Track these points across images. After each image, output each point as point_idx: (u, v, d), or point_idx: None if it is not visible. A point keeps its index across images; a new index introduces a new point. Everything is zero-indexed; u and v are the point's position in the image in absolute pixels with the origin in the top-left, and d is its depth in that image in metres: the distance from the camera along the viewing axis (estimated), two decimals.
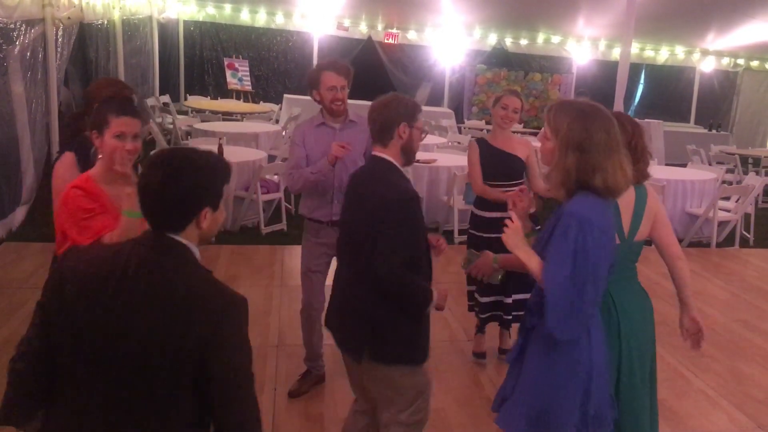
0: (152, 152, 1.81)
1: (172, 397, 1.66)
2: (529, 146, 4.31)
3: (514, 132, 11.33)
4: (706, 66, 15.40)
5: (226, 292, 1.70)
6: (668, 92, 15.80)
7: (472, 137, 10.83)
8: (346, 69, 3.69)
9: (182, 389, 1.66)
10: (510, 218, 2.30)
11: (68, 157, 3.00)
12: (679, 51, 15.26)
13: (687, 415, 4.01)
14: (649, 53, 15.20)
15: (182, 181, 1.67)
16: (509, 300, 4.24)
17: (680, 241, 7.88)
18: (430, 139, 10.15)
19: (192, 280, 1.67)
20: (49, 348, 1.71)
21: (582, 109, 2.18)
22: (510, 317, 4.29)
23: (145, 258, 1.67)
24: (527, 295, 4.17)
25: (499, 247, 2.42)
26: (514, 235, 2.27)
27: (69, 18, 7.70)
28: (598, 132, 2.12)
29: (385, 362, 2.65)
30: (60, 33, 7.45)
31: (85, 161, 3.02)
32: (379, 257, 2.51)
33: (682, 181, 7.98)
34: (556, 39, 14.70)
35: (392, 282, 2.54)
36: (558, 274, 2.10)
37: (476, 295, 4.38)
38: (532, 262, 2.21)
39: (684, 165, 9.80)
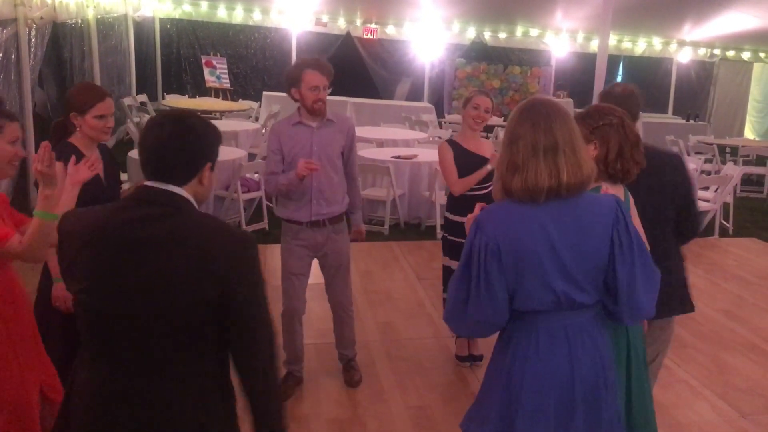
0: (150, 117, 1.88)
1: (196, 347, 1.73)
2: (493, 148, 4.29)
3: (495, 126, 11.37)
4: (683, 57, 15.51)
5: (235, 233, 1.79)
6: (646, 83, 15.86)
7: (452, 131, 10.85)
8: (328, 68, 3.65)
9: (205, 339, 1.73)
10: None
11: None
12: (657, 42, 15.35)
13: (670, 405, 4.03)
14: (626, 45, 15.27)
15: (193, 134, 1.78)
16: None
17: None
18: (410, 135, 10.13)
19: (201, 227, 1.74)
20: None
21: (525, 107, 2.08)
22: None
23: (150, 212, 1.73)
24: None
25: None
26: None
27: (42, 18, 7.57)
28: (524, 128, 2.01)
29: None
30: (33, 33, 7.32)
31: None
32: None
33: None
34: (534, 32, 14.72)
35: None
36: (455, 271, 2.09)
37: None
38: None
39: None
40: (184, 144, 1.77)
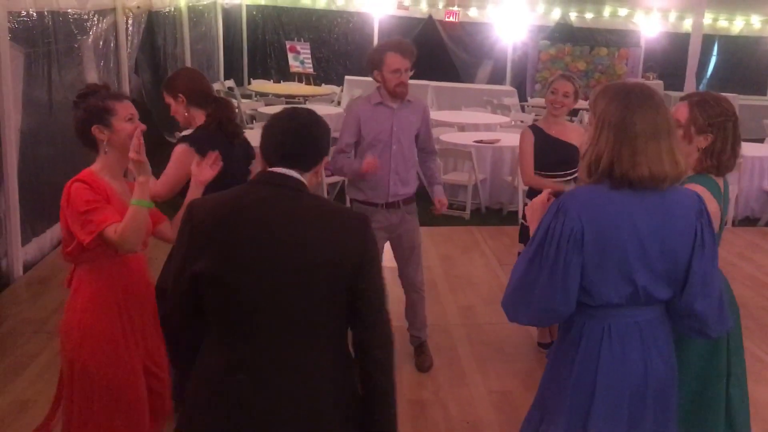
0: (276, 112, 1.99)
1: (330, 319, 1.82)
2: (582, 133, 4.17)
3: (580, 109, 11.10)
4: None
5: (359, 214, 1.97)
6: (743, 64, 15.07)
7: (535, 116, 10.67)
8: (410, 50, 3.64)
9: (338, 310, 1.82)
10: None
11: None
12: (755, 20, 14.53)
13: (765, 403, 3.87)
14: (722, 24, 14.53)
15: (322, 127, 1.94)
16: None
17: (757, 220, 7.59)
18: (493, 119, 10.02)
19: (326, 207, 1.90)
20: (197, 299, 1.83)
21: (624, 91, 1.96)
22: None
23: (278, 193, 1.84)
24: None
25: None
26: (537, 208, 2.18)
27: (138, 7, 7.93)
28: (635, 118, 1.90)
29: None
30: (130, 22, 7.68)
31: (200, 147, 2.97)
32: None
33: (759, 157, 7.65)
34: (623, 11, 14.21)
35: None
36: (524, 253, 2.01)
37: None
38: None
39: (761, 140, 9.38)
40: (317, 136, 1.91)
